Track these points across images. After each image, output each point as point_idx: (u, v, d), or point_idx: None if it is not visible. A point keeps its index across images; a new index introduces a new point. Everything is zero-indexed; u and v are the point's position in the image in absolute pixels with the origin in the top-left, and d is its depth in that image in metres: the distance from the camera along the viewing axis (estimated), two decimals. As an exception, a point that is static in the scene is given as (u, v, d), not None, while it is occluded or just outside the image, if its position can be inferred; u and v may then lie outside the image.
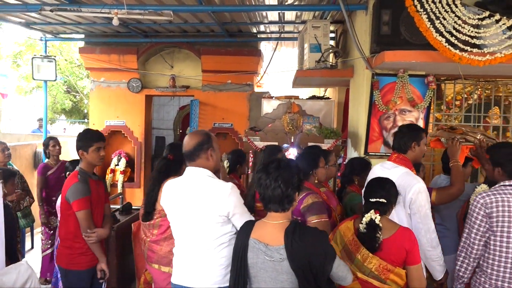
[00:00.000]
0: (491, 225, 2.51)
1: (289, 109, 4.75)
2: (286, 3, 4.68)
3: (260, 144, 4.45)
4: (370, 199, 2.49)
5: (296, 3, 4.92)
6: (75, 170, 3.17)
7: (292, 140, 4.42)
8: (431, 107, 4.25)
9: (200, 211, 2.36)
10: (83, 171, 3.15)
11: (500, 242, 2.49)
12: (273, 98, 5.82)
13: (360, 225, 2.45)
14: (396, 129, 3.23)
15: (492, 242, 2.53)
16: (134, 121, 7.39)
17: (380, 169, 2.95)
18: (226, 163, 3.68)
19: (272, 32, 6.76)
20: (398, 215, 2.75)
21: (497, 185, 2.61)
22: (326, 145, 4.38)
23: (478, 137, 3.30)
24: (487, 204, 2.51)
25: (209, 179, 2.42)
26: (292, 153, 4.41)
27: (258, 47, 7.29)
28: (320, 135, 4.41)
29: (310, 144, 4.43)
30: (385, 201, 2.47)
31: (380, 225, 2.38)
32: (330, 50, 5.14)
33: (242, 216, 2.35)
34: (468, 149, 3.35)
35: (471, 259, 2.60)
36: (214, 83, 7.12)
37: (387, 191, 2.51)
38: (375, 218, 2.40)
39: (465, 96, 4.92)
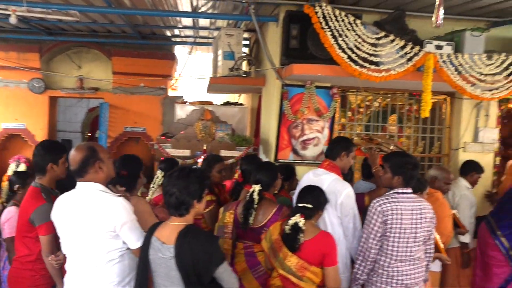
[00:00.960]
0: (385, 231, 2.75)
1: (202, 116, 4.75)
2: (200, 10, 4.68)
3: (172, 152, 4.39)
4: (298, 204, 2.74)
5: (209, 10, 4.94)
6: (36, 187, 2.77)
7: (205, 148, 4.42)
8: (336, 117, 4.54)
9: (87, 226, 2.32)
10: (46, 188, 2.79)
11: (392, 245, 2.74)
12: (187, 103, 5.77)
13: (286, 226, 2.67)
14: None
15: (384, 246, 2.77)
16: (36, 124, 6.85)
17: (312, 175, 3.18)
18: (160, 173, 3.59)
19: (187, 36, 6.70)
20: (329, 217, 3.00)
21: (391, 192, 2.85)
22: (238, 152, 4.45)
23: (391, 148, 3.87)
24: (384, 212, 2.74)
25: (98, 194, 2.38)
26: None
27: (172, 51, 7.19)
28: (232, 142, 4.47)
29: (222, 152, 4.49)
30: (311, 207, 2.71)
31: (303, 228, 2.62)
32: (244, 58, 5.24)
33: (131, 231, 2.34)
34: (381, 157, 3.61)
35: (368, 262, 2.82)
36: (126, 86, 6.88)
37: (314, 198, 2.76)
38: (300, 221, 2.63)
39: (368, 104, 5.31)
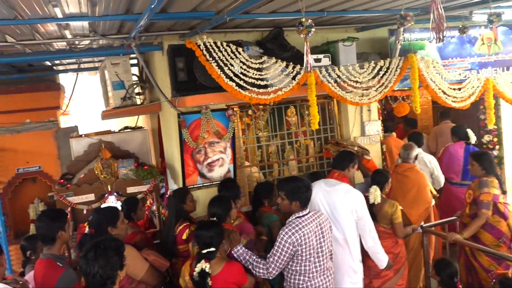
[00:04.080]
0: (296, 252, 3.00)
1: (101, 153, 4.57)
2: (79, 46, 4.45)
3: (75, 199, 4.19)
4: (202, 251, 2.88)
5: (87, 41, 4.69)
6: (47, 259, 2.75)
7: (110, 189, 4.29)
8: (236, 136, 4.67)
9: None
10: (58, 257, 2.81)
11: (304, 265, 3.03)
12: (82, 136, 5.50)
13: (194, 273, 2.85)
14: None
15: (295, 261, 3.03)
16: None
17: (324, 185, 3.66)
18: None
19: (70, 64, 6.32)
20: (348, 221, 3.50)
21: (293, 217, 3.08)
22: (145, 186, 4.39)
23: (355, 149, 4.46)
24: (294, 242, 2.96)
25: None
26: (111, 201, 4.28)
27: (56, 80, 6.73)
28: (137, 178, 4.39)
29: (129, 189, 4.39)
30: (214, 249, 2.89)
31: (209, 271, 2.81)
32: (135, 86, 5.12)
33: None
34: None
35: (270, 274, 3.04)
36: (10, 125, 6.32)
37: (213, 240, 2.91)
38: (205, 267, 2.81)
39: (263, 114, 5.52)
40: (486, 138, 5.99)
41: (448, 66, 4.94)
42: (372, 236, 3.58)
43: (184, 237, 3.61)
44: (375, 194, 3.90)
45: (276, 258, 3.02)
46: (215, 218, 3.19)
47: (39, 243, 3.33)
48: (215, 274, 2.84)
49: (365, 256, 3.78)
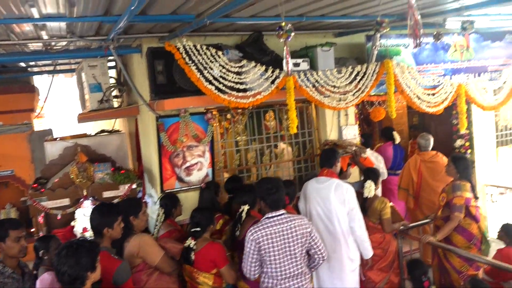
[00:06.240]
0: (262, 256, 3.03)
1: (77, 158, 4.49)
2: (56, 47, 4.37)
3: (49, 204, 4.10)
4: (191, 230, 3.34)
5: (67, 44, 4.61)
6: (102, 251, 2.67)
7: (85, 193, 4.22)
8: (214, 139, 4.66)
9: None
10: (111, 250, 2.94)
11: (271, 267, 3.04)
12: (57, 139, 5.39)
13: (184, 245, 3.31)
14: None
15: (265, 269, 3.08)
16: None
17: (316, 183, 3.90)
18: (160, 210, 3.83)
19: (45, 65, 6.19)
20: (341, 213, 3.74)
21: (263, 218, 3.11)
22: (121, 191, 4.33)
23: (353, 149, 4.72)
24: (256, 240, 3.00)
25: None
26: (87, 206, 4.20)
27: (31, 82, 6.59)
28: (114, 182, 4.33)
29: (105, 193, 4.33)
30: (200, 230, 3.31)
31: (194, 248, 3.26)
32: (112, 89, 5.05)
33: None
34: (348, 158, 4.75)
35: (247, 274, 3.13)
36: (-19, 127, 6.15)
37: (201, 222, 3.34)
38: (191, 243, 3.27)
39: (241, 118, 5.53)
40: (459, 142, 6.15)
41: (423, 71, 5.07)
42: (360, 225, 3.81)
43: (217, 227, 3.84)
44: (370, 188, 4.17)
45: (245, 257, 3.08)
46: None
47: (52, 242, 3.36)
48: (198, 251, 3.24)
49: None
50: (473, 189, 4.26)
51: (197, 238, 3.29)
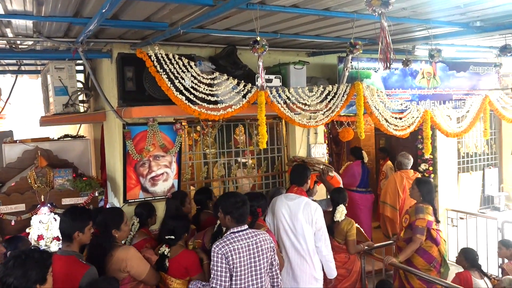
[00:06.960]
0: (230, 267, 2.95)
1: (36, 162, 4.30)
2: (21, 46, 4.20)
3: (2, 209, 3.89)
4: (165, 237, 3.34)
5: (34, 44, 4.45)
6: (69, 256, 2.81)
7: (43, 199, 4.03)
8: (182, 151, 4.58)
9: None
10: (79, 254, 2.89)
11: (239, 282, 2.97)
12: (17, 141, 5.16)
13: (159, 252, 3.34)
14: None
15: (233, 284, 2.98)
16: None
17: (285, 199, 3.91)
18: (135, 219, 3.79)
19: (9, 65, 5.95)
20: (308, 232, 3.76)
21: (228, 232, 3.05)
22: (82, 198, 4.17)
23: (321, 167, 4.67)
24: (225, 254, 2.93)
25: None
26: (43, 212, 4.01)
27: (-8, 81, 6.31)
28: (74, 189, 4.17)
29: (64, 200, 4.16)
30: (174, 237, 3.33)
31: (168, 255, 3.29)
32: (79, 93, 4.90)
33: None
34: (315, 175, 4.71)
35: None
36: None
37: (176, 230, 3.36)
38: (165, 251, 3.30)
39: (211, 131, 5.47)
40: (423, 166, 6.31)
41: (391, 96, 5.19)
42: (326, 245, 3.84)
43: None
44: (342, 212, 4.21)
45: (213, 272, 2.98)
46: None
47: (20, 244, 3.29)
48: (172, 258, 3.28)
49: None
50: (435, 212, 4.35)
51: (171, 246, 3.31)
